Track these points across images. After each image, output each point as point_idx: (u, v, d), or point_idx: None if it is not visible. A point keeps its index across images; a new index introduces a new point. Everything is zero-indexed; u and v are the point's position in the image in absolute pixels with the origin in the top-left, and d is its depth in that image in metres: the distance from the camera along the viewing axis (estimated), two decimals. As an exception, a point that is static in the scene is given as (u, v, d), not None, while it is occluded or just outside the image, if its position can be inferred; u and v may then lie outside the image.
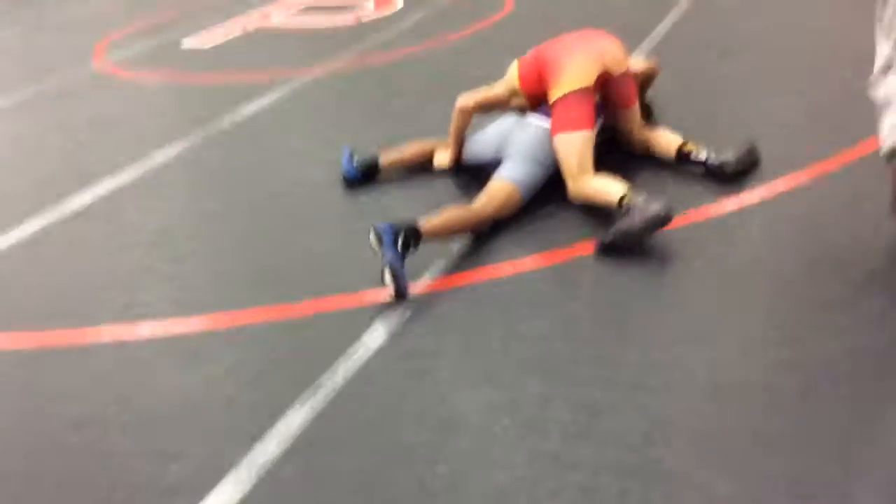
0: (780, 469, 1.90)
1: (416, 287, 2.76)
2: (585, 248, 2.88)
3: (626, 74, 3.32)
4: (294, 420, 2.22)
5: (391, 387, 2.32)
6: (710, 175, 3.24)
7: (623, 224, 2.79)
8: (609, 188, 2.96)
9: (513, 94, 3.40)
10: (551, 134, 3.16)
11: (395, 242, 2.70)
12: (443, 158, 3.56)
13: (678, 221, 2.94)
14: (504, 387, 2.26)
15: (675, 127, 3.52)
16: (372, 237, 2.75)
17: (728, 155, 3.23)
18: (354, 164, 3.53)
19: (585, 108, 3.13)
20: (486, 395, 2.24)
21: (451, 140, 3.48)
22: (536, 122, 3.27)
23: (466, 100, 3.39)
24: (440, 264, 2.88)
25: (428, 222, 2.82)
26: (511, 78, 3.39)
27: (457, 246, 2.99)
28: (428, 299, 2.70)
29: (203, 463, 2.11)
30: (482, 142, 3.40)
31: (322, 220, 3.36)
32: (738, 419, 2.07)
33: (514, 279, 2.77)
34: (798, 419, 2.05)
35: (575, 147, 3.08)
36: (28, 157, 4.40)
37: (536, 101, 3.34)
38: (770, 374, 2.21)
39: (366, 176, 3.54)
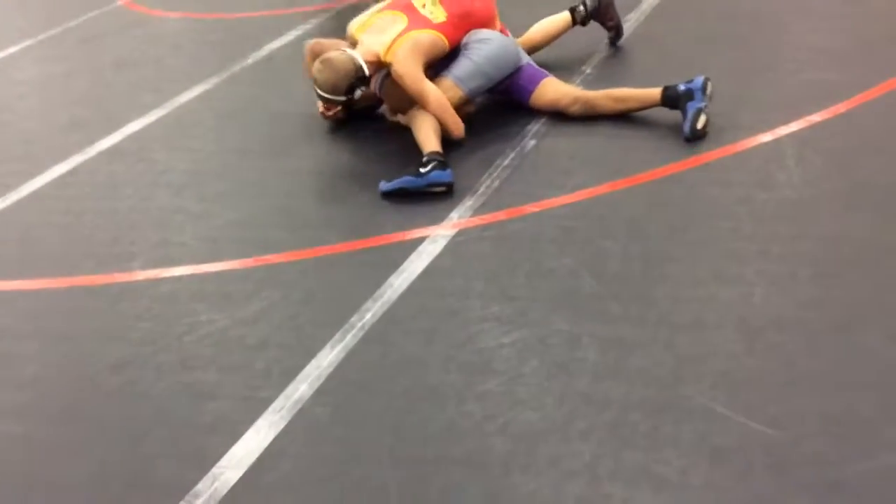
0: (815, 408, 1.89)
1: (443, 228, 2.75)
2: (610, 187, 2.84)
3: None
4: (325, 360, 2.25)
5: (420, 327, 2.33)
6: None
7: None
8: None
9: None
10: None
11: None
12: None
13: (711, 155, 2.89)
14: (532, 326, 2.27)
15: (710, 55, 3.42)
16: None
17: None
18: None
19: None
20: (515, 334, 2.25)
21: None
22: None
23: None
24: (467, 204, 2.86)
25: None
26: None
27: (483, 186, 2.96)
28: (455, 239, 2.69)
29: (238, 402, 2.15)
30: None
31: (350, 159, 3.34)
32: (771, 357, 2.06)
33: (540, 217, 2.75)
34: (832, 357, 2.03)
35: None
36: (55, 99, 4.41)
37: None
38: (803, 311, 2.19)
39: None
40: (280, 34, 4.77)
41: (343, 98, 3.10)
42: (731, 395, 1.96)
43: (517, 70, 3.32)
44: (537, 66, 3.40)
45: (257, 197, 3.16)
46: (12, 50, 5.15)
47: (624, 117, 3.26)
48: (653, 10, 4.27)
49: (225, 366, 2.29)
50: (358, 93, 3.10)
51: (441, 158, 2.94)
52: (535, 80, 3.32)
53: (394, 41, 3.14)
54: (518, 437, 1.93)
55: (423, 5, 3.26)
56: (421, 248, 2.67)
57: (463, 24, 3.29)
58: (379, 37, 3.18)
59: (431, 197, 2.90)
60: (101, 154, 3.64)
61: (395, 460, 1.92)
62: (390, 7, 3.29)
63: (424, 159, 2.95)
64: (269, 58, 4.46)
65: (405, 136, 3.22)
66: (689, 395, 1.97)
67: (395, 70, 3.11)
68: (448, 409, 2.04)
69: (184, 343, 2.40)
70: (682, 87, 3.12)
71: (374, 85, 3.28)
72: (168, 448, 2.04)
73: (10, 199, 3.33)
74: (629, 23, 4.07)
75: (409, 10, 3.24)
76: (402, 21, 3.21)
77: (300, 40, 4.63)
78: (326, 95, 3.10)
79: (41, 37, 5.36)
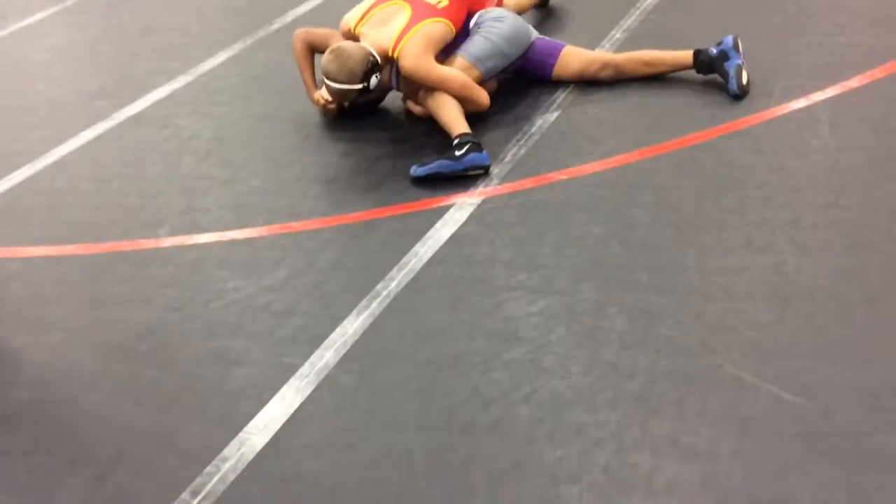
0: (848, 379, 1.86)
1: (471, 195, 2.73)
2: (639, 154, 2.80)
3: None
4: (351, 327, 2.24)
5: (446, 295, 2.32)
6: None
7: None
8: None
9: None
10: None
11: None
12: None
13: (743, 122, 2.83)
14: (559, 294, 2.25)
15: (744, 18, 3.34)
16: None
17: None
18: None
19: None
20: (541, 303, 2.23)
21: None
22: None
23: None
24: (493, 172, 2.83)
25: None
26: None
27: (510, 154, 2.93)
28: (482, 207, 2.67)
29: (265, 369, 2.16)
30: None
31: (373, 126, 3.32)
32: (803, 328, 2.02)
33: (568, 185, 2.72)
34: (865, 328, 2.00)
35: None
36: (81, 66, 4.41)
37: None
38: (836, 282, 2.15)
39: None
40: (304, 0, 4.73)
41: (359, 86, 2.95)
42: (761, 364, 1.93)
43: (530, 46, 3.22)
44: (549, 38, 3.31)
45: (283, 164, 3.15)
46: (39, 16, 5.16)
47: (652, 83, 3.20)
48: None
49: (251, 332, 2.30)
50: (374, 80, 2.97)
51: (474, 140, 2.83)
52: (555, 53, 3.24)
53: (401, 35, 2.99)
54: (544, 405, 1.92)
55: None
56: (447, 216, 2.65)
57: (465, 3, 3.17)
58: (383, 30, 3.02)
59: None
60: (127, 120, 3.64)
61: (421, 427, 1.92)
62: None
63: (457, 141, 2.83)
64: (294, 24, 4.42)
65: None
66: (717, 365, 1.95)
67: (405, 68, 2.96)
68: (473, 377, 2.03)
69: (210, 310, 2.41)
70: (714, 50, 3.06)
71: (389, 76, 3.18)
72: (195, 413, 2.06)
73: (37, 166, 3.35)
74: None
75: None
76: (405, 11, 3.05)
77: (327, 5, 4.59)
78: (340, 85, 2.95)
79: (68, 3, 5.36)
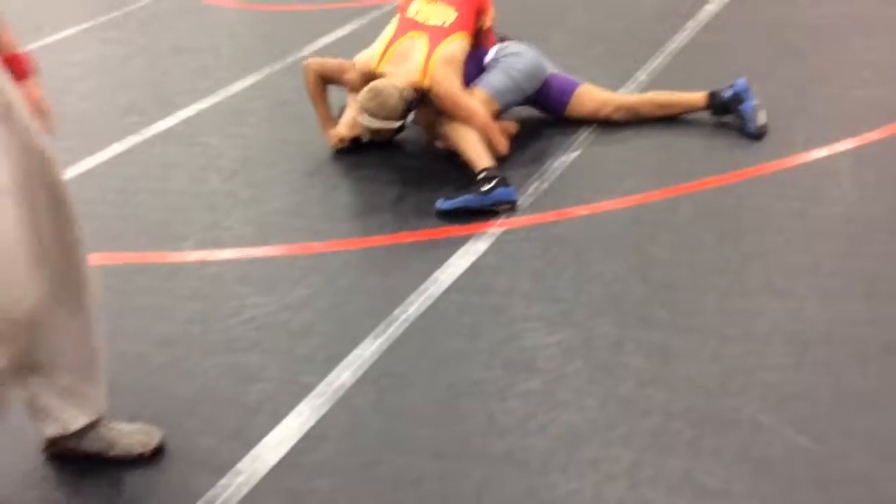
0: (865, 427, 1.86)
1: (491, 226, 2.75)
2: (660, 194, 2.82)
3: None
4: (368, 350, 2.26)
5: (464, 322, 2.33)
6: None
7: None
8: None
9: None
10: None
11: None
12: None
13: (765, 168, 2.86)
14: (577, 327, 2.26)
15: (768, 66, 3.38)
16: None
17: None
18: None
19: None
20: (559, 335, 2.24)
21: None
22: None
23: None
24: (518, 204, 2.86)
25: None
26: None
27: (532, 187, 2.96)
28: (503, 238, 2.70)
29: (281, 386, 2.17)
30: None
31: (394, 154, 3.36)
32: (820, 373, 2.03)
33: (588, 220, 2.74)
34: (882, 377, 2.00)
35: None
36: (113, 81, 4.49)
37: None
38: (854, 330, 2.15)
39: None
40: (334, 28, 4.81)
41: (398, 123, 2.96)
42: (778, 408, 1.93)
43: (545, 81, 3.25)
44: (566, 75, 3.32)
45: (305, 186, 3.19)
46: (73, 31, 5.27)
47: (673, 124, 3.25)
48: (710, 19, 4.24)
49: (269, 349, 2.32)
50: (410, 117, 3.00)
51: (500, 174, 2.83)
52: (569, 90, 3.26)
53: (426, 63, 3.01)
54: (559, 437, 1.92)
55: (417, 13, 3.12)
56: (467, 245, 2.67)
57: (472, 7, 3.15)
58: (408, 63, 3.03)
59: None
60: (156, 136, 3.70)
61: (435, 453, 1.92)
62: (401, 32, 3.12)
63: (483, 175, 2.83)
64: (324, 51, 4.50)
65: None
66: (734, 406, 1.95)
67: (436, 93, 2.99)
68: (489, 405, 2.04)
69: (230, 325, 2.43)
70: (727, 93, 3.11)
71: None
72: (211, 426, 2.07)
73: (66, 175, 3.39)
74: (686, 32, 4.05)
75: (422, 28, 3.09)
76: (422, 40, 3.06)
77: (354, 35, 4.67)
78: (380, 123, 2.95)
79: (102, 19, 5.47)
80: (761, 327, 2.18)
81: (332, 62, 3.34)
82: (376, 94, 2.93)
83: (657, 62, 3.80)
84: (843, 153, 2.95)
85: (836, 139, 3.02)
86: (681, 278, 2.42)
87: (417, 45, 3.07)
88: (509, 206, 2.82)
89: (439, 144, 3.23)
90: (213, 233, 2.91)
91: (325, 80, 3.33)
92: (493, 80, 3.16)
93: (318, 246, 2.77)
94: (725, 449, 1.84)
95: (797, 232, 2.57)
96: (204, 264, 2.74)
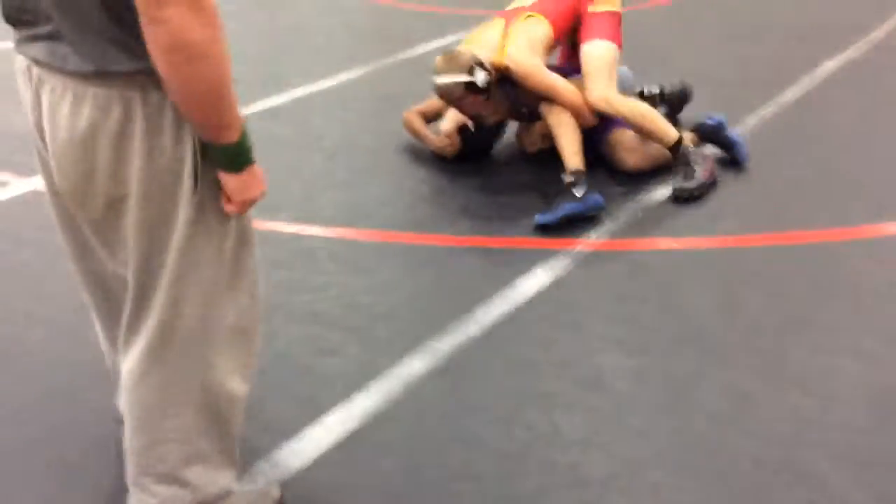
0: (938, 502, 1.80)
1: (580, 244, 2.75)
2: (758, 240, 2.78)
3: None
4: (444, 344, 2.28)
5: (542, 332, 2.34)
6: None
7: (699, 175, 3.01)
8: (664, 121, 3.05)
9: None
10: (584, 40, 3.09)
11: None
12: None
13: (868, 231, 2.79)
14: (655, 356, 2.24)
15: (876, 138, 3.27)
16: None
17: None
18: None
19: (618, 29, 3.14)
20: (635, 360, 2.23)
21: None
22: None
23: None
24: (607, 227, 2.86)
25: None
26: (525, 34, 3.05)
27: (625, 212, 2.95)
28: (591, 257, 2.69)
29: (356, 364, 2.22)
30: None
31: (490, 159, 3.39)
32: (899, 442, 1.97)
33: (681, 254, 2.72)
34: (966, 457, 1.93)
35: (610, 55, 3.06)
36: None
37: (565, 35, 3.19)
38: (942, 405, 2.08)
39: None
40: (449, 32, 4.88)
41: (466, 78, 2.88)
42: (850, 469, 1.88)
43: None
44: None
45: (402, 176, 3.24)
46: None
47: (780, 172, 3.19)
48: (828, 76, 4.16)
49: (350, 327, 2.36)
50: (482, 75, 2.91)
51: (586, 178, 2.88)
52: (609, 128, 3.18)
53: (502, 39, 3.03)
54: (622, 458, 1.91)
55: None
56: (554, 259, 2.68)
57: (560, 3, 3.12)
58: (485, 45, 3.04)
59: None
60: (265, 111, 3.81)
61: (495, 453, 1.93)
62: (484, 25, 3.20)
63: (572, 179, 2.86)
64: (436, 51, 4.57)
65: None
66: (806, 460, 1.90)
67: (515, 70, 2.95)
68: (556, 416, 2.04)
69: (315, 298, 2.49)
70: (710, 121, 3.23)
71: (505, 95, 3.12)
72: (281, 391, 2.12)
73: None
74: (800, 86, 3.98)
75: (503, 13, 3.18)
76: (499, 21, 3.12)
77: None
78: (446, 79, 2.91)
79: (227, -6, 5.65)
80: (844, 387, 2.13)
81: (425, 104, 3.42)
82: (446, 54, 2.97)
83: (767, 110, 3.75)
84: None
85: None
86: (768, 326, 2.37)
87: (494, 25, 3.13)
88: (600, 213, 2.88)
89: (531, 148, 3.28)
90: (308, 209, 2.98)
91: (426, 118, 3.42)
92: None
93: (407, 236, 2.82)
94: (791, 501, 1.80)
95: (892, 299, 2.49)
96: (296, 237, 2.82)
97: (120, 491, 1.73)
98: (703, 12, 5.26)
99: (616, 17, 3.15)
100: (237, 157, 1.36)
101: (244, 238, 1.50)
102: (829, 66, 4.27)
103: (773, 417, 2.03)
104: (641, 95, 3.42)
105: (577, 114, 3.02)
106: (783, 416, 2.03)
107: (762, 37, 4.75)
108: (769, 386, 2.13)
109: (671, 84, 3.53)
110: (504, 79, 3.03)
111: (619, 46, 3.12)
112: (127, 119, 1.30)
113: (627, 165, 3.17)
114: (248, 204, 1.42)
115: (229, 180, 1.38)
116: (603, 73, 3.03)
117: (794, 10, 5.22)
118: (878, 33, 4.75)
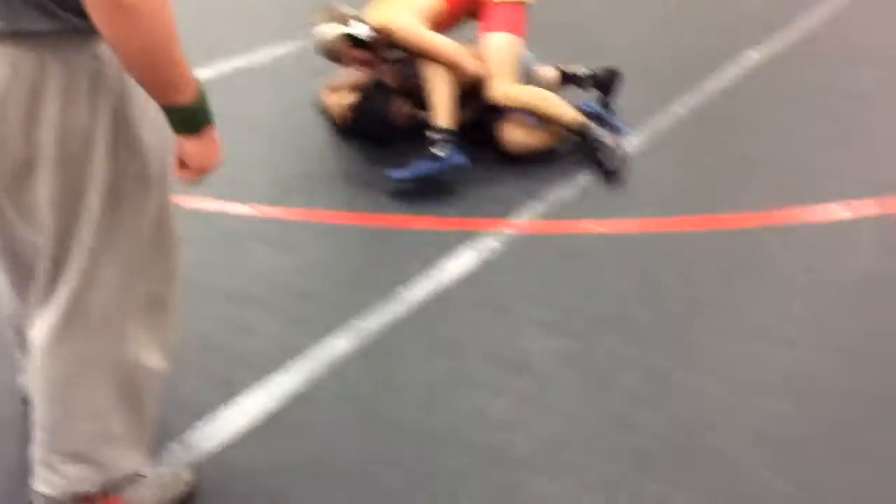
0: (847, 479, 1.85)
1: (507, 226, 2.75)
2: (678, 223, 2.82)
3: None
4: (367, 323, 2.25)
5: (467, 315, 2.33)
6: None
7: (611, 152, 3.06)
8: (562, 104, 3.07)
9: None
10: (485, 30, 3.09)
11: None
12: None
13: (788, 217, 2.85)
14: (578, 338, 2.25)
15: (801, 130, 3.35)
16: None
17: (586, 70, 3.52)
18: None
19: (522, 20, 3.12)
20: (559, 342, 2.23)
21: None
22: None
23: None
24: (537, 210, 2.86)
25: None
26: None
27: (554, 195, 2.96)
28: (516, 239, 2.69)
29: (275, 344, 2.17)
30: None
31: (417, 138, 3.35)
32: (812, 424, 2.02)
33: (607, 238, 2.74)
34: (875, 434, 1.99)
35: (511, 48, 3.06)
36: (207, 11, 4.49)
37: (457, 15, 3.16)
38: (851, 384, 2.14)
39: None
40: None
41: (345, 28, 2.95)
42: (762, 450, 1.92)
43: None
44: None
45: (330, 156, 3.19)
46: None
47: (720, 157, 3.24)
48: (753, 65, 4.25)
49: (269, 306, 2.31)
50: (362, 27, 2.93)
51: (454, 138, 2.84)
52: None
53: (380, 2, 3.04)
54: (543, 439, 1.92)
55: None
56: (481, 240, 2.67)
57: None
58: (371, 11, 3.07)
59: (501, 194, 2.90)
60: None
61: (418, 434, 1.91)
62: None
63: (438, 137, 2.83)
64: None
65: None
66: (719, 442, 1.94)
67: (391, 29, 2.93)
68: (479, 399, 2.03)
69: (234, 277, 2.42)
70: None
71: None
72: (195, 370, 2.06)
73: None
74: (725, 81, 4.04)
75: None
76: None
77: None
78: (327, 31, 2.99)
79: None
80: (760, 372, 2.17)
81: (339, 79, 3.38)
82: (324, 10, 2.99)
83: (692, 99, 3.80)
84: (867, 215, 2.94)
85: (860, 199, 3.02)
86: (686, 310, 2.41)
87: None
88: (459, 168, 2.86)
89: (414, 113, 3.20)
90: (232, 186, 2.90)
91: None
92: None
93: (332, 216, 2.77)
94: (704, 481, 1.83)
95: (808, 286, 2.56)
96: (218, 215, 2.74)
97: (26, 471, 1.66)
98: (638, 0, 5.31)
99: (520, 9, 3.11)
100: (192, 118, 1.30)
101: (165, 210, 1.44)
102: (753, 56, 4.36)
103: (689, 401, 2.06)
104: (573, 76, 3.44)
105: (456, 72, 2.97)
106: (698, 400, 2.06)
107: (691, 27, 4.82)
108: (686, 371, 2.16)
109: (601, 69, 3.55)
110: (393, 45, 3.02)
111: (523, 35, 3.10)
112: (40, 80, 1.23)
113: (513, 148, 3.14)
114: (203, 171, 1.36)
115: (185, 143, 1.33)
116: (504, 68, 3.03)
117: (722, 1, 5.31)
118: (801, 24, 4.87)
